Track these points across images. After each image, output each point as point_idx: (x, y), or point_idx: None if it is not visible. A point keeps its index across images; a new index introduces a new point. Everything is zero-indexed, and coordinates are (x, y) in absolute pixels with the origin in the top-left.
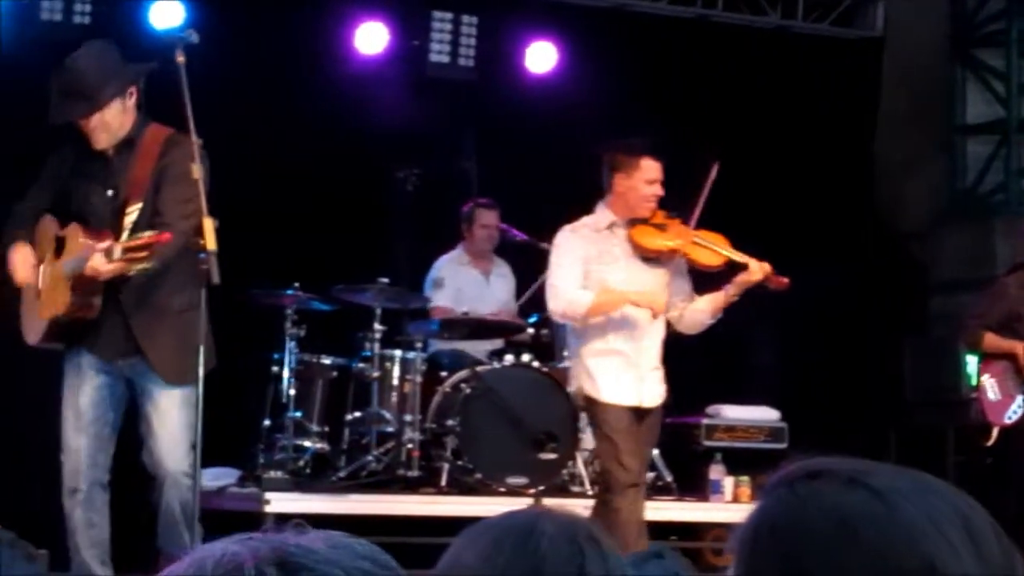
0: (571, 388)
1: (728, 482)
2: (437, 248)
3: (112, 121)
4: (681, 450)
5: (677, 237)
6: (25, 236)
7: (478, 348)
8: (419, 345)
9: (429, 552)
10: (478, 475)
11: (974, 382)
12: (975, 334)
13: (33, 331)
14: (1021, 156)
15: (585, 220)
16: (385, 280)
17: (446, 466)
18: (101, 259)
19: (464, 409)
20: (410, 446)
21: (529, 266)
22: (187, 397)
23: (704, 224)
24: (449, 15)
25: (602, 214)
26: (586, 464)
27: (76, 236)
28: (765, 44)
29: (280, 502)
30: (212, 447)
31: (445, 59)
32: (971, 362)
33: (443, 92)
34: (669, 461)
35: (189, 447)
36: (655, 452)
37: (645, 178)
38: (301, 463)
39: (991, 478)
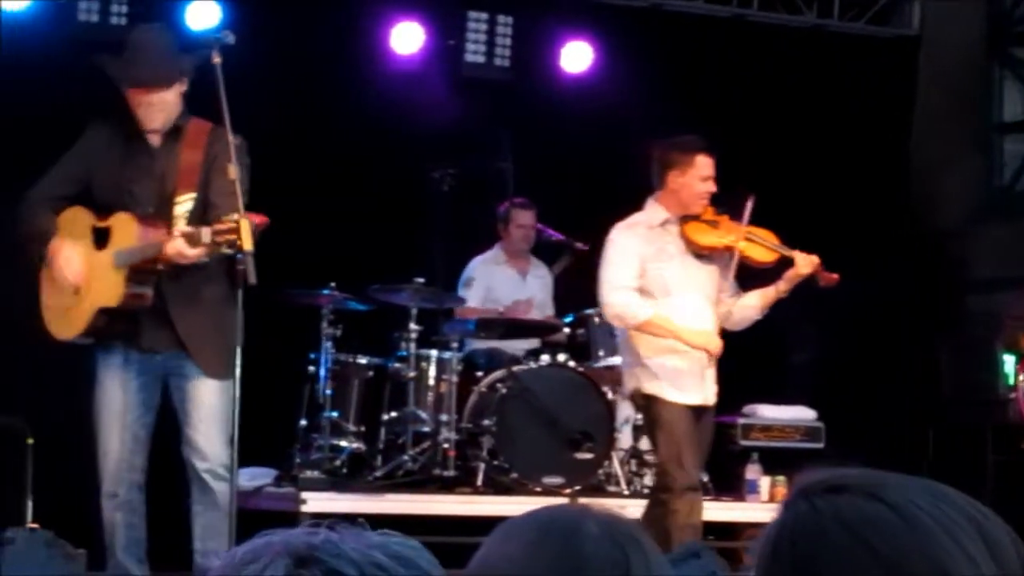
0: (627, 388)
1: (764, 482)
2: (473, 248)
3: (172, 103)
4: (717, 450)
5: (730, 233)
6: (55, 226)
7: (514, 348)
8: (455, 345)
9: (465, 552)
10: (514, 475)
11: (1012, 381)
12: (1013, 334)
13: (69, 326)
14: None
15: (638, 217)
16: (421, 280)
17: (482, 466)
18: (183, 243)
19: (500, 409)
20: (446, 446)
21: (562, 253)
22: (225, 390)
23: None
24: (485, 15)
25: (655, 211)
26: (622, 464)
27: (128, 226)
28: (801, 43)
29: (316, 502)
30: (248, 447)
31: (481, 59)
32: (1008, 362)
33: (479, 92)
34: (705, 461)
35: (227, 440)
36: None
37: (700, 175)
38: (337, 463)
39: None
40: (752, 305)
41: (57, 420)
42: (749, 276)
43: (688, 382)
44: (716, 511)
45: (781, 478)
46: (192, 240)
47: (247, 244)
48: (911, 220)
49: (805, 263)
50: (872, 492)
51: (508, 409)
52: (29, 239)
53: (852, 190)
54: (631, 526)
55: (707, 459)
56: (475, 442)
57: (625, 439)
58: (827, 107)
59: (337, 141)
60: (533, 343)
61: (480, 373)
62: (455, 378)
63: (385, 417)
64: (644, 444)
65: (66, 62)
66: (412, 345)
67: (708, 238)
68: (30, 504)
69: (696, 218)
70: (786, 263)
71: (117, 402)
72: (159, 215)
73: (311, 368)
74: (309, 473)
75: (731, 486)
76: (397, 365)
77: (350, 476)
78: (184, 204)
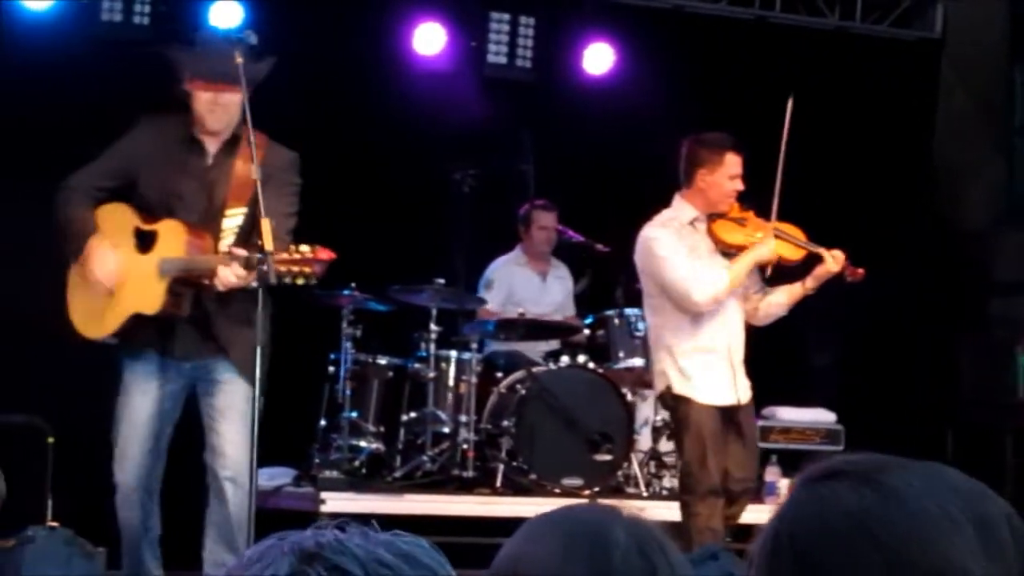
0: (656, 388)
1: (783, 484)
2: (494, 249)
3: (236, 108)
4: None
5: (758, 231)
6: (92, 220)
7: (534, 349)
8: (475, 346)
9: (483, 552)
10: (533, 476)
11: None
12: None
13: (100, 325)
14: None
15: (668, 215)
16: (441, 281)
17: (501, 467)
18: (238, 268)
19: (519, 410)
20: (465, 446)
21: (585, 267)
22: (253, 396)
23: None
24: (506, 16)
25: (683, 209)
26: (641, 465)
27: (177, 234)
28: (823, 45)
29: (335, 502)
30: (268, 447)
31: (503, 60)
32: None
33: (500, 93)
34: (756, 458)
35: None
36: None
37: (729, 173)
38: (356, 463)
39: None
40: (779, 302)
41: (78, 419)
42: (775, 272)
43: (720, 382)
44: None
45: None
46: (248, 265)
47: (268, 244)
48: (932, 223)
49: (834, 260)
50: (870, 477)
51: (527, 410)
52: (62, 229)
53: (874, 193)
54: (658, 533)
55: (757, 457)
56: (494, 443)
57: (644, 441)
58: (850, 109)
59: (358, 141)
60: (553, 344)
61: (500, 374)
62: (475, 379)
63: (404, 418)
64: (663, 446)
65: (89, 61)
66: (432, 346)
67: (736, 236)
68: (50, 503)
69: (723, 216)
70: (812, 259)
71: (143, 410)
72: (207, 225)
73: (331, 368)
74: (328, 473)
75: None
76: (417, 366)
77: (369, 476)
78: (234, 218)
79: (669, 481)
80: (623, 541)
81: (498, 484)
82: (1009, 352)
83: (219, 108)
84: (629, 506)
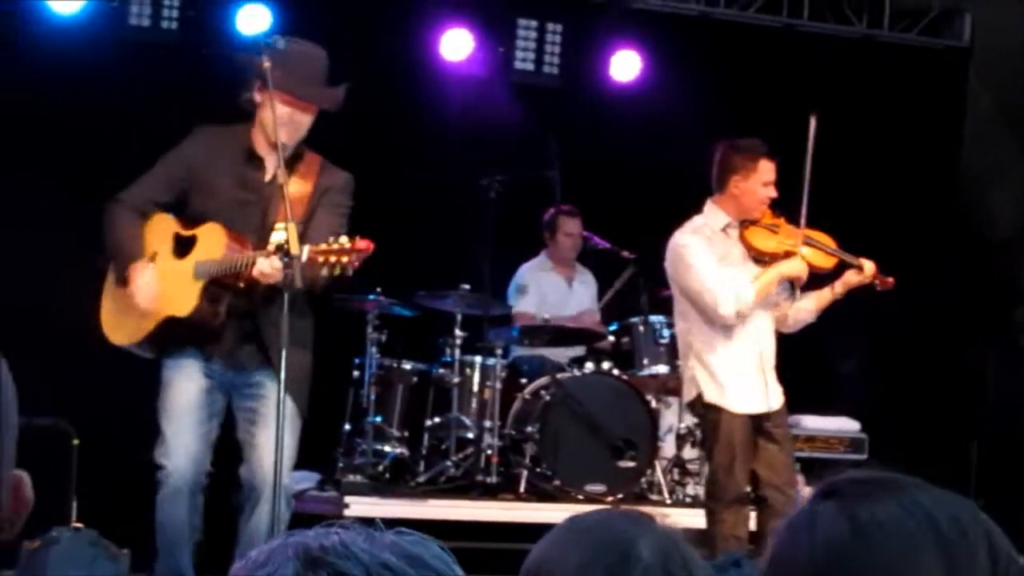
0: (686, 395)
1: (807, 492)
2: (519, 255)
3: (306, 128)
4: None
5: (790, 238)
6: (141, 241)
7: (559, 355)
8: (499, 351)
9: (507, 558)
10: (557, 482)
11: None
12: None
13: (128, 331)
14: None
15: (700, 221)
16: (466, 286)
17: (525, 472)
18: (277, 259)
19: (543, 416)
20: (489, 452)
21: (611, 274)
22: (297, 412)
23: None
24: (534, 23)
25: (715, 215)
26: (665, 472)
27: (216, 236)
28: (851, 53)
29: (359, 506)
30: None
31: (530, 66)
32: None
33: (527, 99)
34: (793, 464)
35: (291, 463)
36: None
37: (763, 180)
38: (380, 467)
39: None
40: (807, 308)
41: (103, 421)
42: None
43: (751, 390)
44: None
45: None
46: (284, 253)
47: (294, 248)
48: (960, 230)
49: (866, 269)
50: (849, 507)
51: (552, 416)
52: (109, 247)
53: (902, 200)
54: (685, 550)
55: (793, 462)
56: (518, 449)
57: (668, 448)
58: (877, 118)
59: (384, 146)
60: (578, 351)
61: (524, 380)
62: (499, 384)
63: (429, 423)
64: (687, 453)
65: (116, 65)
66: (457, 351)
67: (769, 244)
68: (75, 504)
69: (756, 223)
70: (842, 266)
71: (188, 397)
72: (257, 237)
73: (356, 373)
74: (352, 477)
75: None
76: (441, 371)
77: (393, 481)
78: (280, 232)
79: (693, 488)
80: (646, 556)
81: (521, 490)
82: None
83: (292, 124)
84: (662, 517)
